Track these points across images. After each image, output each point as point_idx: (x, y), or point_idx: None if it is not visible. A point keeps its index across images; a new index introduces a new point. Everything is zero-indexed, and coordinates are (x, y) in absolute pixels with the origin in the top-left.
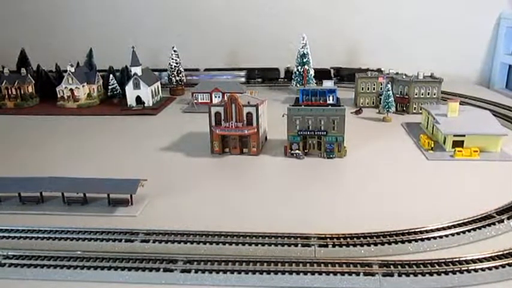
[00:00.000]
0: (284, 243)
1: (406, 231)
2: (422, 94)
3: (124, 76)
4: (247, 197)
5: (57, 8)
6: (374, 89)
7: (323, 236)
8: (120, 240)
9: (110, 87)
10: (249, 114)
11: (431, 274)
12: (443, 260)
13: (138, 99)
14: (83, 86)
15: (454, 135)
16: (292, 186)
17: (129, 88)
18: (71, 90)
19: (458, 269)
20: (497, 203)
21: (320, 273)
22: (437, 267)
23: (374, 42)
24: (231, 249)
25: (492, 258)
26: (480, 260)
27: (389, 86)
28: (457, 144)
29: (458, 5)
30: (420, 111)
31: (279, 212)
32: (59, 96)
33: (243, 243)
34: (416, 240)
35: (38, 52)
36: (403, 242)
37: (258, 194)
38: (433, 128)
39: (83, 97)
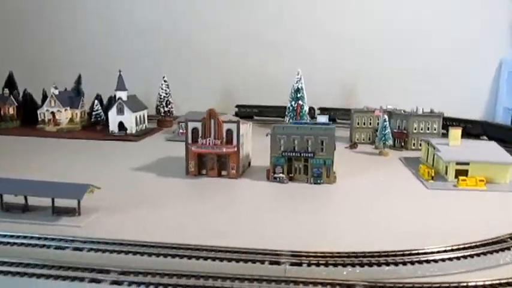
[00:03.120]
0: (243, 259)
1: (400, 252)
2: (421, 129)
3: (111, 104)
4: (213, 215)
5: (50, 33)
6: (370, 124)
7: (297, 253)
8: (49, 247)
9: (93, 113)
10: (229, 131)
11: None
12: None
13: (121, 126)
14: (66, 110)
15: (457, 163)
16: (269, 207)
17: (112, 113)
18: (53, 113)
19: None
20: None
21: None
22: None
23: (372, 83)
24: (179, 263)
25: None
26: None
27: (386, 117)
28: (461, 173)
29: (459, 50)
30: (420, 147)
31: (245, 229)
32: (39, 119)
33: (198, 258)
34: (412, 263)
35: (28, 77)
36: (396, 264)
37: (226, 213)
38: (433, 159)
39: (64, 121)
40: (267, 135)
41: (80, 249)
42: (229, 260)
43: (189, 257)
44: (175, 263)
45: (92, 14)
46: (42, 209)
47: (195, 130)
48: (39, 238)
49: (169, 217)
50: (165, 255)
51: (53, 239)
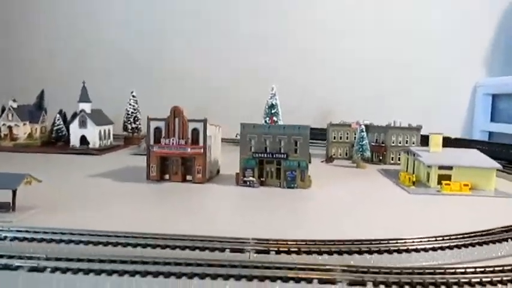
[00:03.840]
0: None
1: (385, 240)
2: (400, 142)
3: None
4: (171, 216)
5: (16, 48)
6: (347, 138)
7: (264, 241)
8: None
9: (54, 128)
10: (195, 130)
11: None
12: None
13: (83, 140)
14: (24, 125)
15: (440, 168)
16: (237, 211)
17: (74, 126)
18: (10, 127)
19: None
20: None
21: (251, 278)
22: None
23: (349, 103)
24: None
25: None
26: None
27: (363, 127)
28: (443, 179)
29: (435, 76)
30: (399, 161)
31: (206, 229)
32: None
33: (145, 246)
34: (398, 251)
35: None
36: (380, 252)
37: (187, 215)
38: (414, 167)
39: (22, 136)
40: (236, 135)
41: (2, 239)
42: (189, 248)
43: (134, 245)
44: (114, 250)
45: (59, 30)
46: None
47: (157, 130)
48: None
49: (119, 215)
50: (103, 243)
51: None
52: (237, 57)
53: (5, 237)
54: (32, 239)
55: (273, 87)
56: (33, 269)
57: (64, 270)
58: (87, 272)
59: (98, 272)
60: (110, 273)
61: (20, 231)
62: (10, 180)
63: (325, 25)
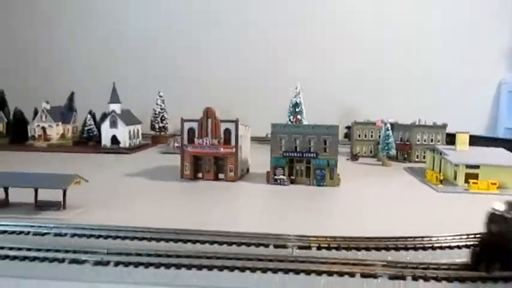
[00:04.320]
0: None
1: (415, 237)
2: (425, 140)
3: (104, 119)
4: (207, 211)
5: (44, 50)
6: (372, 136)
7: (305, 237)
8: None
9: (86, 128)
10: (226, 131)
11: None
12: None
13: (114, 139)
14: (57, 125)
15: (467, 167)
16: (270, 207)
17: (105, 126)
18: (43, 128)
19: None
20: None
21: (298, 272)
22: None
23: (372, 100)
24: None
25: None
26: None
27: (388, 125)
28: (470, 178)
29: (459, 73)
30: (424, 159)
31: (242, 225)
32: (30, 135)
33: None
34: (425, 249)
35: (20, 97)
36: (415, 248)
37: (222, 211)
38: (440, 166)
39: (55, 137)
40: (266, 135)
41: (63, 235)
42: (235, 243)
43: (185, 241)
44: (167, 246)
45: (87, 31)
46: (24, 204)
47: (191, 130)
48: (16, 225)
49: (161, 210)
50: (156, 239)
51: (32, 226)
52: (260, 58)
53: (65, 234)
54: (90, 236)
55: (297, 85)
56: (97, 263)
57: (126, 264)
58: (146, 265)
59: (158, 266)
60: (168, 266)
61: (78, 228)
62: (61, 180)
63: (351, 24)
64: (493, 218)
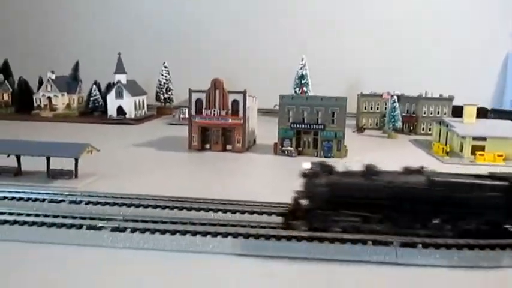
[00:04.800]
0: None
1: None
2: (431, 113)
3: (109, 90)
4: (215, 181)
5: (47, 20)
6: (378, 109)
7: None
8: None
9: (91, 98)
10: (234, 102)
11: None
12: None
13: (120, 110)
14: (63, 96)
15: (473, 139)
16: (278, 177)
17: (110, 97)
18: (49, 98)
19: None
20: None
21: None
22: None
23: (378, 73)
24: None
25: None
26: None
27: (395, 98)
28: (477, 150)
29: (466, 45)
30: (430, 132)
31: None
32: (35, 104)
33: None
34: None
35: (24, 66)
36: None
37: (230, 180)
38: (446, 138)
39: (61, 107)
40: (274, 106)
41: (78, 203)
42: (247, 212)
43: (198, 209)
44: (182, 213)
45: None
46: (37, 173)
47: (198, 101)
48: (32, 192)
49: (172, 180)
50: (170, 207)
51: (47, 194)
52: (265, 29)
53: (80, 201)
54: (105, 203)
55: (303, 57)
56: (115, 229)
57: (143, 231)
58: (163, 232)
59: (173, 233)
60: (183, 233)
61: (92, 195)
62: (73, 149)
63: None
64: (305, 177)
